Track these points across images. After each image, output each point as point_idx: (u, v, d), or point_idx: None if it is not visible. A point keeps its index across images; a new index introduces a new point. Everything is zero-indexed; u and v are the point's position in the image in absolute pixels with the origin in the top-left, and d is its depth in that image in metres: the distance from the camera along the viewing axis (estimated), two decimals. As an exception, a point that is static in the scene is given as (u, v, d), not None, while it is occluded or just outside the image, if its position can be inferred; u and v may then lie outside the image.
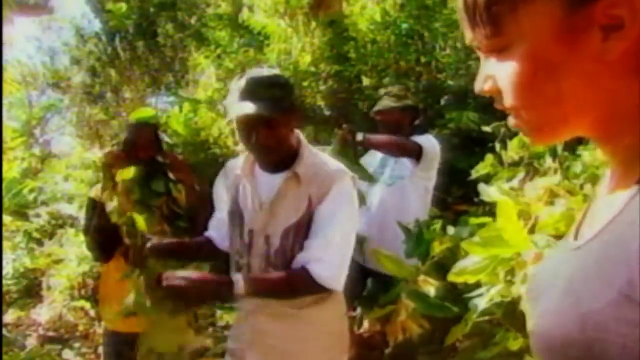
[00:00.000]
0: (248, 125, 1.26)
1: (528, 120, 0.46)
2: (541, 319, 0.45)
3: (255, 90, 1.24)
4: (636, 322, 0.35)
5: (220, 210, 1.50)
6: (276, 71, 1.44)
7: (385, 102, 2.43)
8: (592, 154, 1.31)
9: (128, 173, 1.45)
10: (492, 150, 1.78)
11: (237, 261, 1.38)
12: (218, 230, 1.50)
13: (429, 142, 2.35)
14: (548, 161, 1.44)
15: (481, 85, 0.49)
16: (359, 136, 2.14)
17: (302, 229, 1.28)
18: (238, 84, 1.28)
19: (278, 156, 1.31)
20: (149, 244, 1.40)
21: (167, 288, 1.16)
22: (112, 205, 1.48)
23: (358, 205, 1.33)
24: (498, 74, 0.46)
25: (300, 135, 1.37)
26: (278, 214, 1.30)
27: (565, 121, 0.45)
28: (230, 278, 1.21)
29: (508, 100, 0.46)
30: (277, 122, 1.25)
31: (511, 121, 0.48)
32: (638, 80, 0.41)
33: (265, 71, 1.34)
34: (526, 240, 0.86)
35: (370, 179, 2.18)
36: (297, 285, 1.25)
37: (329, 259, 1.24)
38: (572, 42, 0.41)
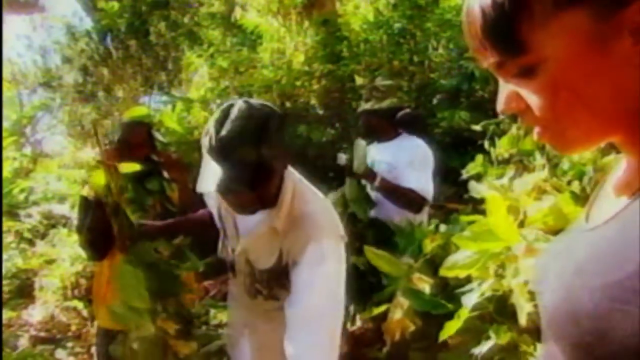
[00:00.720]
0: (230, 194, 1.11)
1: (563, 131, 0.46)
2: (554, 294, 0.46)
3: (229, 147, 1.05)
4: None
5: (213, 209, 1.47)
6: (259, 104, 1.14)
7: (369, 105, 2.31)
8: (580, 152, 1.33)
9: (133, 166, 1.38)
10: (483, 149, 1.80)
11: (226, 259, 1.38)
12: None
13: (423, 155, 2.20)
14: (537, 159, 1.47)
15: (506, 105, 0.48)
16: (376, 181, 2.04)
17: (279, 275, 1.18)
18: (211, 129, 1.10)
19: (259, 204, 1.16)
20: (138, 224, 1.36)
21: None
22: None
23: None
24: (529, 90, 0.46)
25: (286, 174, 1.18)
26: (253, 254, 1.23)
27: (600, 129, 0.46)
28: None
29: (541, 113, 0.46)
30: (258, 183, 1.08)
31: (537, 132, 0.48)
32: None
33: (243, 111, 1.09)
34: (516, 234, 0.88)
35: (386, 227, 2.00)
36: None
37: (308, 349, 1.07)
38: (603, 50, 0.42)
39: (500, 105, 0.49)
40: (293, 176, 1.20)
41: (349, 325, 2.30)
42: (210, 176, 1.08)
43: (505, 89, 0.48)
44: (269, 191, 1.14)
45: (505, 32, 0.44)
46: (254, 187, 1.07)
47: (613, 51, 0.42)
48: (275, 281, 1.20)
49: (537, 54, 0.44)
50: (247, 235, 1.23)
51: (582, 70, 0.43)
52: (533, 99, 0.46)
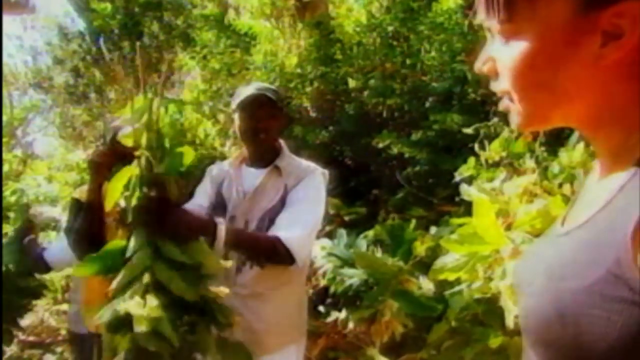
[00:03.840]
0: (252, 106, 1.49)
1: (521, 103, 0.49)
2: (529, 299, 0.48)
3: (258, 85, 1.57)
4: (621, 298, 0.37)
5: (199, 198, 1.64)
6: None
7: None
8: (570, 155, 1.34)
9: (132, 170, 1.33)
10: (476, 151, 1.81)
11: None
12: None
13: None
14: (528, 162, 1.48)
15: (481, 66, 0.52)
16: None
17: (276, 212, 1.46)
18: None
19: (265, 149, 1.54)
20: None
21: (154, 215, 1.12)
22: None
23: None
24: (501, 56, 0.49)
25: (282, 142, 1.60)
26: (258, 201, 1.49)
27: (553, 109, 0.48)
28: (215, 221, 1.25)
29: (506, 81, 0.49)
30: (274, 108, 1.50)
31: (503, 103, 0.51)
32: (628, 87, 0.44)
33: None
34: (503, 237, 0.88)
35: None
36: (270, 249, 1.36)
37: (297, 232, 1.37)
38: (574, 40, 0.44)
39: (476, 64, 0.52)
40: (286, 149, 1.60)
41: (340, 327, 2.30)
42: (250, 89, 1.56)
43: (487, 50, 0.51)
44: (275, 141, 1.57)
45: None
46: (275, 113, 1.54)
47: (583, 46, 0.44)
48: (271, 221, 1.45)
49: (516, 25, 0.47)
50: (253, 187, 1.52)
51: (550, 55, 0.46)
52: (501, 66, 0.49)
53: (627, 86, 0.44)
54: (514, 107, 0.50)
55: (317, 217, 1.45)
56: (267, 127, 1.51)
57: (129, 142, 1.20)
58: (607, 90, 0.45)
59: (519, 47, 0.47)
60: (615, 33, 0.42)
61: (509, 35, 0.48)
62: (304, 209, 1.42)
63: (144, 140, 1.18)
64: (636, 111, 0.44)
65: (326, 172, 1.57)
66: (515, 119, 0.51)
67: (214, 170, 1.65)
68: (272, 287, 1.45)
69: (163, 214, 1.11)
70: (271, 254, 1.37)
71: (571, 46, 0.44)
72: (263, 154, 1.55)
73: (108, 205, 1.17)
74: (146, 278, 1.06)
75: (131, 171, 1.17)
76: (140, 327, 0.99)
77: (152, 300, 1.01)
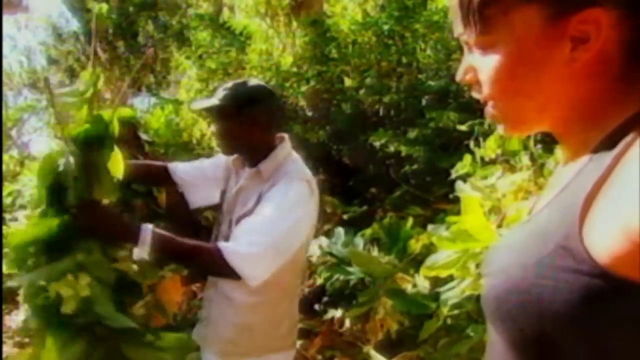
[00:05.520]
0: (215, 117, 1.40)
1: (503, 110, 0.52)
2: (488, 279, 0.52)
3: (221, 92, 1.38)
4: (567, 267, 0.42)
5: (200, 165, 1.60)
6: (255, 82, 1.46)
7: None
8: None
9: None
10: (471, 149, 1.81)
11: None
12: (183, 168, 1.59)
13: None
14: (523, 159, 1.48)
15: (462, 75, 0.55)
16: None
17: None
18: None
19: (249, 152, 1.40)
20: None
21: (80, 216, 1.10)
22: None
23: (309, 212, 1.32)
24: (481, 66, 0.52)
25: (284, 141, 1.42)
26: (238, 203, 1.40)
27: (535, 114, 0.51)
28: (139, 227, 1.16)
29: (488, 89, 0.52)
30: (239, 116, 1.34)
31: (488, 111, 0.54)
32: (596, 87, 0.48)
33: (244, 80, 1.44)
34: (493, 234, 0.89)
35: None
36: (206, 260, 1.22)
37: (244, 244, 1.21)
38: (548, 47, 0.48)
39: (458, 74, 0.55)
40: (287, 151, 1.41)
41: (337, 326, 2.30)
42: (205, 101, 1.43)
43: (467, 60, 0.54)
44: (254, 142, 1.39)
45: (474, 10, 0.50)
46: (236, 119, 1.36)
47: (555, 51, 0.48)
48: None
49: (492, 37, 0.50)
50: (238, 187, 1.43)
51: (527, 62, 0.49)
52: (482, 76, 0.52)
53: (593, 84, 0.48)
54: (497, 113, 0.53)
55: (281, 228, 1.24)
56: (234, 135, 1.37)
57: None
58: (577, 90, 0.49)
59: (498, 57, 0.50)
60: (582, 38, 0.47)
61: (486, 47, 0.51)
62: (267, 218, 1.24)
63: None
64: (597, 108, 0.49)
65: (311, 179, 1.36)
66: (501, 124, 0.54)
67: (227, 165, 1.53)
68: (244, 294, 1.32)
69: (87, 215, 1.10)
70: (208, 265, 1.23)
71: (545, 52, 0.48)
72: (249, 157, 1.42)
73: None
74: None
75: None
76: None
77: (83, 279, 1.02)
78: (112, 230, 1.15)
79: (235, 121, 1.35)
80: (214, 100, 1.37)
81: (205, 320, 1.44)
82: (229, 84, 1.41)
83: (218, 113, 1.37)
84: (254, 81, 1.45)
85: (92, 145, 1.14)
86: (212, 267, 1.23)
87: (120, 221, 1.19)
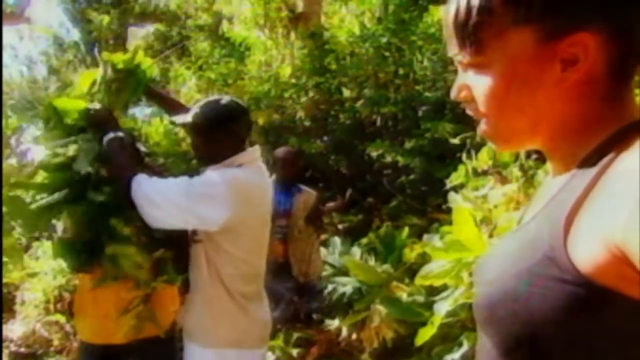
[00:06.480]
0: (189, 132, 1.54)
1: (496, 127, 0.54)
2: (480, 287, 0.54)
3: (196, 109, 1.49)
4: (553, 276, 0.45)
5: None
6: (228, 100, 1.55)
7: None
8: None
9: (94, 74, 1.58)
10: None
11: None
12: None
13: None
14: (514, 170, 1.51)
15: (457, 93, 0.56)
16: None
17: None
18: None
19: (214, 163, 1.47)
20: None
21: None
22: None
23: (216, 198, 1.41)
24: (475, 85, 0.54)
25: (246, 150, 1.50)
26: None
27: (527, 131, 0.54)
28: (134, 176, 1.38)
29: (482, 107, 0.54)
30: (210, 131, 1.44)
31: (481, 128, 0.56)
32: (583, 105, 0.51)
33: (217, 99, 1.56)
34: (485, 244, 0.91)
35: None
36: (126, 185, 1.38)
37: (151, 180, 1.38)
38: (540, 67, 0.50)
39: (452, 92, 0.57)
40: (239, 159, 1.48)
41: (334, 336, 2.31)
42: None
43: (461, 78, 0.56)
44: (220, 152, 1.47)
45: (469, 32, 0.52)
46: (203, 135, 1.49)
47: (546, 72, 0.50)
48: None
49: (487, 57, 0.52)
50: None
51: (521, 81, 0.51)
52: (476, 94, 0.54)
53: (580, 103, 0.51)
54: (489, 130, 0.55)
55: (177, 187, 1.40)
56: (206, 150, 1.47)
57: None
58: (566, 108, 0.52)
59: (492, 76, 0.52)
60: (571, 60, 0.49)
61: (480, 67, 0.53)
62: (174, 181, 1.45)
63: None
64: (583, 125, 0.51)
65: (240, 184, 1.44)
66: (493, 141, 0.56)
67: None
68: (193, 279, 1.44)
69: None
70: (125, 187, 1.38)
71: (537, 72, 0.51)
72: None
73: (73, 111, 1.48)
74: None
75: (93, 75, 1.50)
76: None
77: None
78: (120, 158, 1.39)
79: (206, 138, 1.45)
80: (188, 118, 1.46)
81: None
82: (203, 101, 1.51)
83: (191, 130, 1.48)
84: (226, 99, 1.52)
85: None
86: (125, 189, 1.39)
87: (128, 155, 1.42)
